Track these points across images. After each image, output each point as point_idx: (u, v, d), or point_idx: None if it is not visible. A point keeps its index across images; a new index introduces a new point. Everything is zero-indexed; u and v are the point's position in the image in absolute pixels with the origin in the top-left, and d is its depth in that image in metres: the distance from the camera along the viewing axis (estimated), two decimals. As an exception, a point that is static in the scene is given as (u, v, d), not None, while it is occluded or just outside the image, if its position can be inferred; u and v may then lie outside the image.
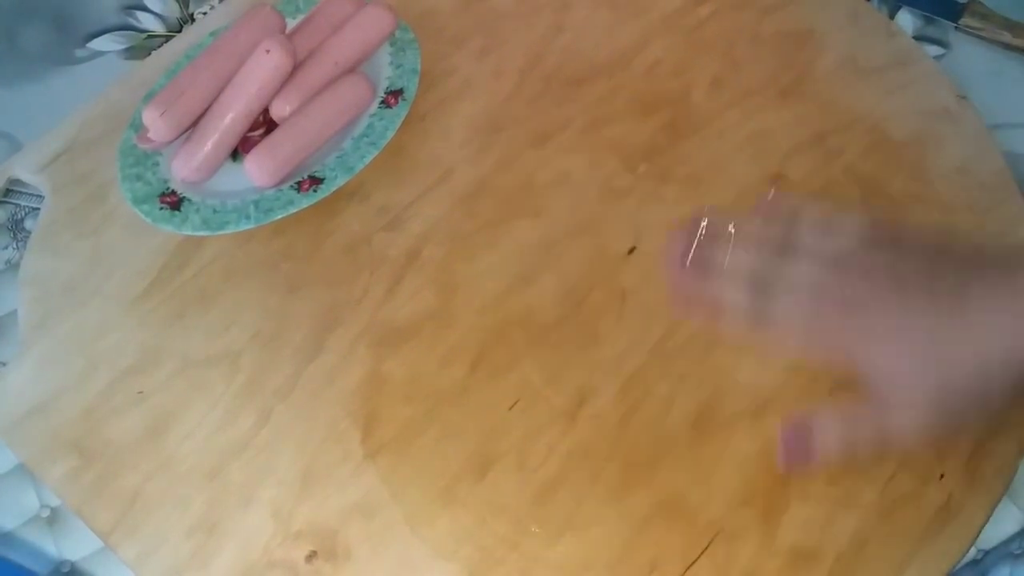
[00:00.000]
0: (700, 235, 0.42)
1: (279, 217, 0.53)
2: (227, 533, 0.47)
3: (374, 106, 0.57)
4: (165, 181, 0.56)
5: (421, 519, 0.46)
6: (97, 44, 0.71)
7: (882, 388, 0.37)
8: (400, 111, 0.57)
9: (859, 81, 0.59)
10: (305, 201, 0.53)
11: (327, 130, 0.56)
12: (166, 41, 0.68)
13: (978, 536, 0.44)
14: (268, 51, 0.54)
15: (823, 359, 0.39)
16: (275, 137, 0.55)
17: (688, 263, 0.41)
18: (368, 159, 0.55)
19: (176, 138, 0.56)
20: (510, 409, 0.48)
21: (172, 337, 0.53)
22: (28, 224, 0.62)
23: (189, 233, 0.53)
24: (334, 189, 0.54)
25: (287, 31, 0.59)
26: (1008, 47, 0.64)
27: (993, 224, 0.53)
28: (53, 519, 0.52)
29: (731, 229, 0.41)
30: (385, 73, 0.59)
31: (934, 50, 0.65)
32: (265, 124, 0.57)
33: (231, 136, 0.55)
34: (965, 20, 0.64)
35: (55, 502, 0.52)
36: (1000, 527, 0.49)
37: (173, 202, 0.55)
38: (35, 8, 0.72)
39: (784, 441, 0.39)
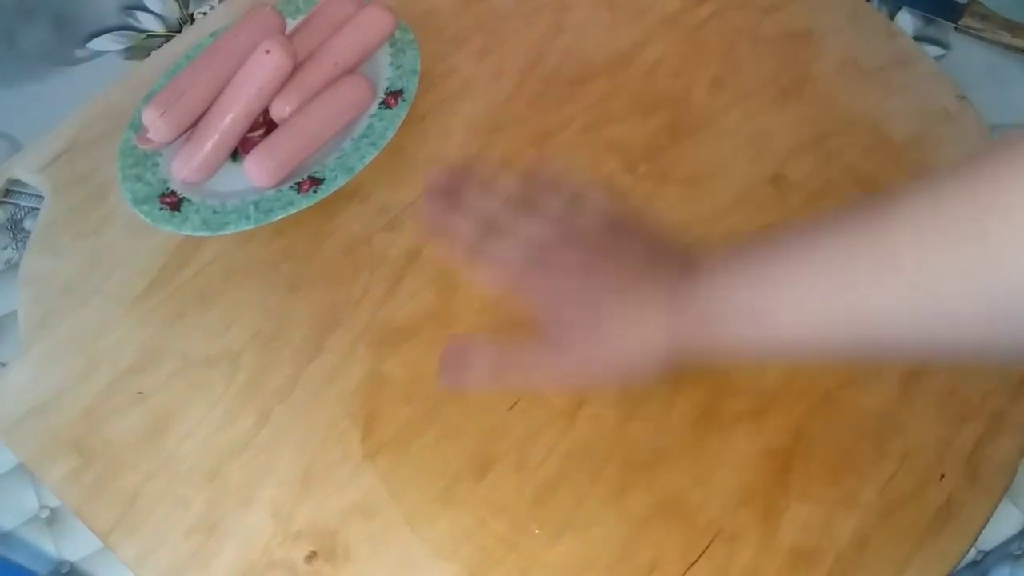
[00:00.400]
0: (461, 175, 0.47)
1: (279, 217, 0.53)
2: (227, 533, 0.47)
3: (374, 107, 0.57)
4: (165, 181, 0.56)
5: (421, 519, 0.46)
6: (97, 44, 0.71)
7: (546, 334, 0.42)
8: (400, 111, 0.57)
9: (859, 81, 0.59)
10: (305, 201, 0.53)
11: (327, 131, 0.56)
12: (166, 41, 0.68)
13: (978, 536, 0.44)
14: (268, 51, 0.54)
15: (514, 299, 0.43)
16: (275, 138, 0.55)
17: (442, 197, 0.46)
18: (368, 159, 0.55)
19: (176, 138, 0.56)
20: (510, 409, 0.48)
21: (172, 337, 0.53)
22: (28, 224, 0.62)
23: (189, 233, 0.53)
24: (334, 189, 0.54)
25: (287, 31, 0.59)
26: (1008, 47, 0.64)
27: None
28: (53, 519, 0.52)
29: (485, 176, 0.47)
30: (385, 73, 0.59)
31: (934, 50, 0.65)
32: (265, 125, 0.57)
33: (231, 137, 0.55)
34: (965, 21, 0.64)
35: (55, 502, 0.52)
36: (1000, 527, 0.49)
37: (173, 202, 0.55)
38: (35, 8, 0.72)
39: (443, 359, 0.44)
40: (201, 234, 0.53)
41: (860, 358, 0.45)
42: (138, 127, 0.58)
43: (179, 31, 0.70)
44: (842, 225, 0.36)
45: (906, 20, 0.67)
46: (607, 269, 0.42)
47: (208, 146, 0.55)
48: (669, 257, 0.42)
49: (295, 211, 0.53)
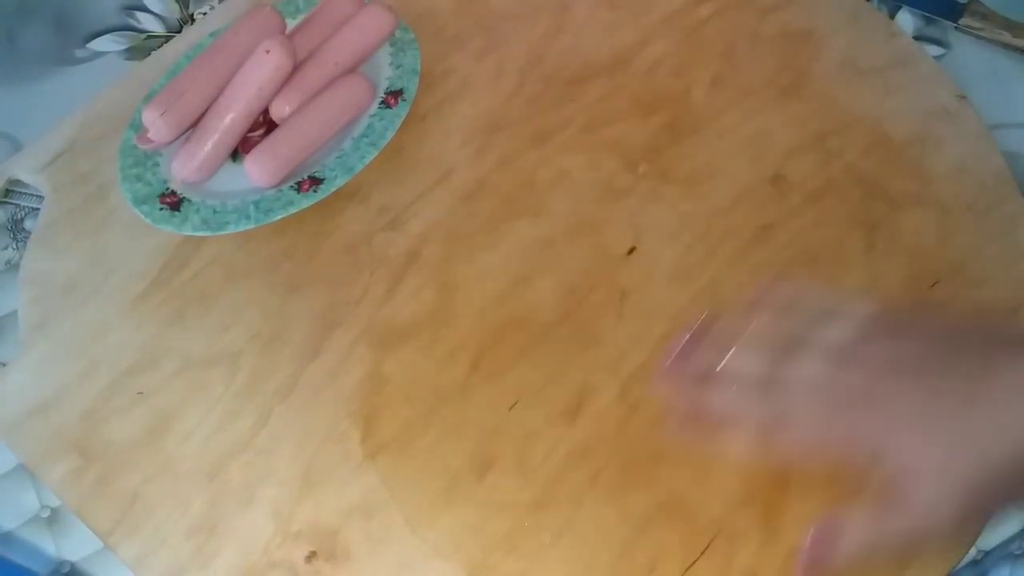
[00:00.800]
0: (690, 343, 0.40)
1: (279, 217, 0.53)
2: (227, 533, 0.47)
3: (374, 106, 0.57)
4: (165, 181, 0.56)
5: (421, 519, 0.46)
6: (97, 44, 0.71)
7: (906, 485, 0.34)
8: (400, 111, 0.57)
9: (859, 81, 0.59)
10: (305, 201, 0.53)
11: (327, 130, 0.56)
12: (166, 41, 0.68)
13: (978, 536, 0.44)
14: (268, 51, 0.54)
15: (840, 460, 0.36)
16: (275, 137, 0.55)
17: (681, 375, 0.39)
18: (368, 159, 0.55)
19: (176, 138, 0.56)
20: (510, 409, 0.48)
21: (172, 337, 0.53)
22: (28, 224, 0.62)
23: (189, 233, 0.53)
24: (334, 189, 0.54)
25: (287, 31, 0.59)
26: (1008, 47, 0.64)
27: (993, 224, 0.53)
28: (53, 519, 0.52)
29: (724, 331, 0.39)
30: (385, 73, 0.59)
31: (934, 50, 0.65)
32: (265, 124, 0.57)
33: (231, 136, 0.55)
34: (965, 20, 0.64)
35: (55, 502, 0.52)
36: (1000, 527, 0.49)
37: (173, 202, 0.55)
38: (35, 8, 0.72)
39: (811, 544, 0.36)
40: (201, 234, 0.53)
41: None
42: (138, 127, 0.58)
43: (179, 31, 0.70)
44: None
45: (906, 20, 0.67)
46: (931, 380, 0.34)
47: (208, 146, 0.55)
48: (983, 341, 0.34)
49: (295, 211, 0.53)
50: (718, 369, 0.38)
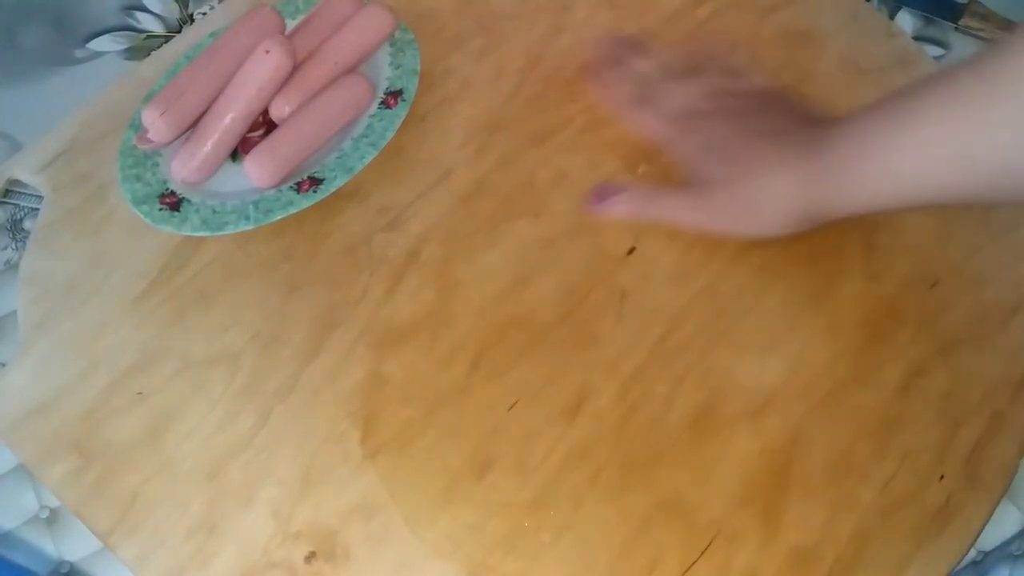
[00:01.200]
0: (626, 44, 0.57)
1: (279, 218, 0.53)
2: (227, 534, 0.47)
3: (374, 107, 0.57)
4: (165, 182, 0.56)
5: (421, 519, 0.46)
6: (97, 44, 0.71)
7: (691, 181, 0.49)
8: (400, 112, 0.57)
9: (859, 82, 0.59)
10: (305, 202, 0.53)
11: (327, 131, 0.56)
12: (166, 41, 0.68)
13: (978, 537, 0.44)
14: (268, 51, 0.54)
15: (662, 144, 0.52)
16: (275, 138, 0.55)
17: (607, 61, 0.56)
18: (368, 160, 0.55)
19: (176, 139, 0.56)
20: (510, 409, 0.48)
21: (172, 337, 0.53)
22: (28, 224, 0.62)
23: (189, 234, 0.53)
24: (334, 190, 0.54)
25: (287, 31, 0.59)
26: (1008, 47, 0.64)
27: (993, 224, 0.53)
28: (52, 519, 0.52)
29: (649, 47, 0.57)
30: (385, 74, 0.59)
31: (934, 51, 0.65)
32: (265, 125, 0.57)
33: (231, 136, 0.55)
34: (965, 21, 0.64)
35: (55, 503, 0.52)
36: (1000, 528, 0.49)
37: (173, 203, 0.55)
38: (35, 8, 0.72)
39: (592, 192, 0.53)
40: (201, 234, 0.53)
41: (975, 199, 0.45)
42: (138, 127, 0.58)
43: (179, 31, 0.70)
44: (943, 78, 0.40)
45: (906, 20, 0.67)
46: (752, 128, 0.48)
47: (208, 146, 0.55)
48: (808, 122, 0.47)
49: (295, 211, 0.53)
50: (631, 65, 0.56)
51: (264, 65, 0.54)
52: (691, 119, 0.51)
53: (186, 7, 0.71)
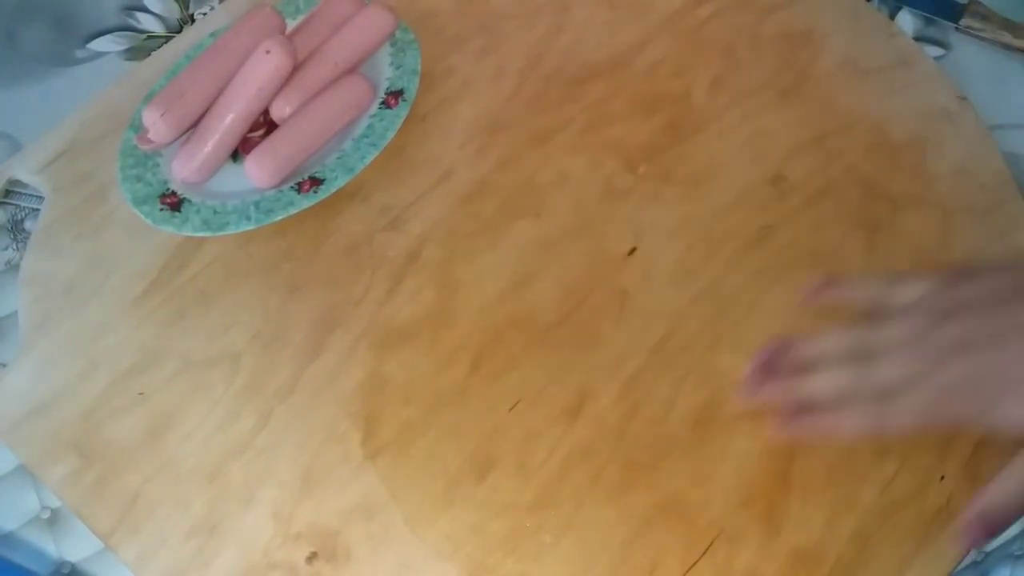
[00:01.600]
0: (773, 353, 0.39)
1: (279, 218, 0.53)
2: (227, 534, 0.47)
3: (374, 107, 0.57)
4: (165, 182, 0.56)
5: (421, 520, 0.46)
6: (97, 45, 0.70)
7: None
8: (400, 112, 0.57)
9: (859, 82, 0.59)
10: (305, 202, 0.53)
11: (327, 131, 0.56)
12: (166, 42, 0.68)
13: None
14: (268, 52, 0.54)
15: (953, 422, 0.35)
16: (275, 138, 0.55)
17: (772, 375, 0.38)
18: (368, 160, 0.55)
19: (176, 139, 0.56)
20: (510, 410, 0.48)
21: (172, 338, 0.53)
22: (28, 225, 0.62)
23: (189, 234, 0.53)
24: (334, 190, 0.54)
25: (287, 32, 0.59)
26: (1008, 47, 0.64)
27: (993, 225, 0.53)
28: (53, 520, 0.52)
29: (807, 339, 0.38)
30: (385, 74, 0.59)
31: (934, 51, 0.65)
32: (265, 125, 0.57)
33: (231, 137, 0.55)
34: (965, 21, 0.64)
35: (55, 503, 0.52)
36: (1000, 528, 0.49)
37: (173, 203, 0.55)
38: (35, 8, 0.72)
39: (971, 522, 0.36)
40: (201, 234, 0.53)
41: None
42: (138, 127, 0.58)
43: (179, 31, 0.70)
44: None
45: (906, 20, 0.67)
46: (1005, 323, 0.33)
47: (208, 146, 0.55)
48: None
49: (295, 211, 0.53)
50: (809, 357, 0.38)
51: (265, 65, 0.54)
52: (937, 343, 0.35)
53: (186, 7, 0.71)
